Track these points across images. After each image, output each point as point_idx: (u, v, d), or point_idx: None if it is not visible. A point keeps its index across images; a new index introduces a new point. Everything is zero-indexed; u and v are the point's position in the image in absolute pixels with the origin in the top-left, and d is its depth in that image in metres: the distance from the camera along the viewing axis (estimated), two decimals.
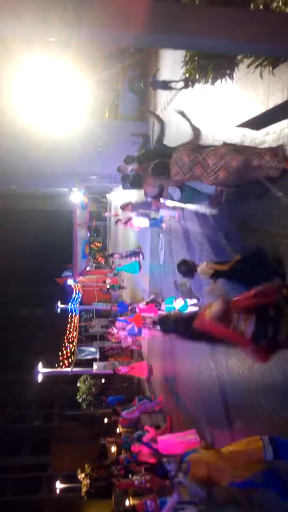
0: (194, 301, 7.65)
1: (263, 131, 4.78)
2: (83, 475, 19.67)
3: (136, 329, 11.53)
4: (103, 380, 20.72)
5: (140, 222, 11.88)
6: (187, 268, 5.16)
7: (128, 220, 12.44)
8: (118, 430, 16.41)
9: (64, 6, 2.66)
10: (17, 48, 11.23)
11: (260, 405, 4.78)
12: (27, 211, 34.19)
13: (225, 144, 4.50)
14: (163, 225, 11.01)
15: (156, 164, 5.02)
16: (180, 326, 3.68)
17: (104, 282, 23.20)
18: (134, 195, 14.50)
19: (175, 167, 4.65)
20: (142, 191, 7.00)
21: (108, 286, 22.07)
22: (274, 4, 3.57)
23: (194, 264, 5.13)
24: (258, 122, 4.82)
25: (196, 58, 4.98)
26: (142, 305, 11.20)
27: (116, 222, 16.52)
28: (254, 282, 3.71)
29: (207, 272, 4.79)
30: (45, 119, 13.34)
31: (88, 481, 19.41)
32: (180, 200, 6.28)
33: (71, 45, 10.29)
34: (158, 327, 4.07)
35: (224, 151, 4.31)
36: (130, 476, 10.75)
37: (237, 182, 4.56)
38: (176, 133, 9.78)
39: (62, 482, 24.39)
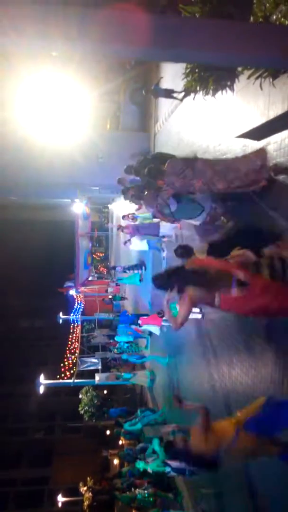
0: (197, 315, 7.56)
1: (264, 141, 4.81)
2: (85, 488, 19.42)
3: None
4: (105, 392, 20.57)
5: (139, 245, 12.02)
6: (184, 250, 4.73)
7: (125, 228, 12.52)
8: (120, 442, 16.24)
9: (66, 21, 2.70)
10: (19, 61, 11.39)
11: None
12: (28, 221, 34.32)
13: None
14: (163, 244, 11.01)
15: (150, 168, 5.10)
16: (172, 277, 3.51)
17: (107, 291, 23.17)
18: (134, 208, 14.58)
19: (168, 168, 4.77)
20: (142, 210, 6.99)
21: (110, 296, 22.04)
22: (274, 17, 3.62)
23: (191, 248, 4.84)
24: (259, 133, 4.86)
25: (196, 70, 5.03)
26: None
27: (118, 228, 16.57)
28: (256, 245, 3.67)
29: (203, 248, 4.50)
30: (46, 130, 13.44)
31: (90, 494, 19.14)
32: (177, 211, 6.21)
33: (73, 59, 10.44)
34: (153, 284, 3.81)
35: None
36: (132, 489, 10.60)
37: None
38: (177, 143, 9.87)
39: (63, 495, 24.07)
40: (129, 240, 12.45)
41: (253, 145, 5.13)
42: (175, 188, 5.11)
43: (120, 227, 13.54)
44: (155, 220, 9.38)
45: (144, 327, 11.34)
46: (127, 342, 14.43)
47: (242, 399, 5.34)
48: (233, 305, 3.32)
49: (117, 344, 14.87)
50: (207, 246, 4.44)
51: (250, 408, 3.62)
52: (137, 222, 12.36)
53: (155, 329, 10.78)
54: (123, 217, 11.48)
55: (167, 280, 3.52)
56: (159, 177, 5.01)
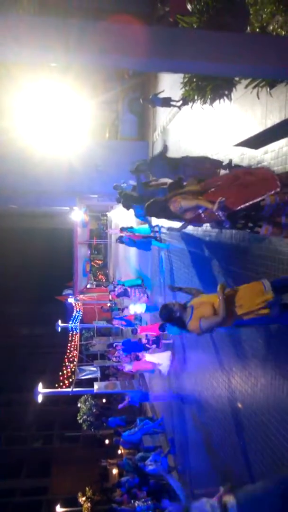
0: None
1: (262, 150, 4.85)
2: (84, 498, 19.24)
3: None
4: (104, 400, 20.46)
5: (137, 308, 12.23)
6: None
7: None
8: (119, 451, 16.12)
9: (66, 32, 2.74)
10: (19, 71, 11.49)
11: (263, 423, 4.72)
12: (27, 229, 34.37)
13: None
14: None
15: (148, 205, 4.90)
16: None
17: (110, 300, 23.03)
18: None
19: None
20: None
21: (109, 305, 22.02)
22: (271, 27, 3.67)
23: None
24: (257, 141, 4.90)
25: (194, 80, 5.08)
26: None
27: (117, 240, 16.60)
28: None
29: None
30: (45, 139, 13.54)
31: (89, 504, 18.97)
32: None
33: (72, 69, 10.56)
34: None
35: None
36: (132, 502, 10.48)
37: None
38: (175, 152, 9.93)
39: (62, 506, 23.83)
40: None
41: (250, 153, 5.17)
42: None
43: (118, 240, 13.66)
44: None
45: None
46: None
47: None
48: None
49: (116, 352, 14.80)
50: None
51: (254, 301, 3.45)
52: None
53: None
54: (122, 229, 11.60)
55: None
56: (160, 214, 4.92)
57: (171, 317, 3.63)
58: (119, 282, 15.96)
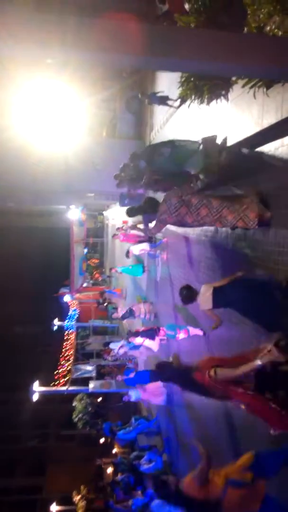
0: (199, 331, 7.47)
1: (258, 150, 4.86)
2: (78, 497, 19.21)
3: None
4: (99, 399, 20.43)
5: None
6: (188, 293, 4.64)
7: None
8: (114, 451, 16.11)
9: (63, 29, 2.73)
10: (16, 68, 11.44)
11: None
12: (24, 228, 34.30)
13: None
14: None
15: (146, 202, 5.12)
16: (179, 378, 3.68)
17: (102, 295, 22.84)
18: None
19: (163, 205, 4.76)
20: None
21: (105, 304, 21.98)
22: (268, 28, 3.67)
23: (196, 291, 4.68)
24: (253, 142, 4.91)
25: (192, 79, 5.09)
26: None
27: (113, 236, 16.47)
28: (253, 312, 3.62)
29: (207, 291, 4.36)
30: (43, 137, 13.50)
31: (84, 503, 18.93)
32: None
33: (69, 66, 10.51)
34: (158, 372, 3.88)
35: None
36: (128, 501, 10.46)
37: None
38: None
39: (57, 504, 23.79)
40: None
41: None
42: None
43: (115, 235, 13.46)
44: None
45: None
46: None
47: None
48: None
49: (111, 352, 14.75)
50: (211, 289, 4.37)
51: (237, 465, 3.62)
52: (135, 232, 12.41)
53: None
54: (117, 229, 11.51)
55: (172, 376, 3.86)
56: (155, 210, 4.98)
57: None
58: (121, 269, 15.42)
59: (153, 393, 10.05)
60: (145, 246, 12.19)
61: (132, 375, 10.66)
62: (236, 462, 3.69)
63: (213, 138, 5.62)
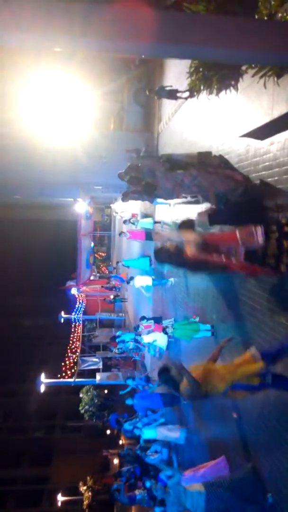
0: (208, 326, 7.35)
1: (268, 141, 4.80)
2: (85, 487, 19.43)
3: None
4: (106, 391, 20.58)
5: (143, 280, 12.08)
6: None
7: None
8: (120, 442, 16.24)
9: (71, 17, 2.69)
10: (24, 61, 11.39)
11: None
12: (31, 221, 34.38)
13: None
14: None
15: (144, 186, 5.30)
16: (174, 257, 4.05)
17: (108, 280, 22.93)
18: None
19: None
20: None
21: (111, 296, 22.03)
22: (279, 15, 3.60)
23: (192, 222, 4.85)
24: (263, 132, 4.84)
25: (200, 69, 5.02)
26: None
27: (120, 234, 16.36)
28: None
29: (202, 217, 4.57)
30: (50, 130, 13.45)
31: (90, 493, 19.15)
32: None
33: (77, 57, 10.43)
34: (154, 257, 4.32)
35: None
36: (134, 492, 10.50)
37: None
38: (181, 143, 9.86)
39: (63, 494, 24.10)
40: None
41: (256, 145, 5.11)
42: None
43: (122, 233, 13.32)
44: None
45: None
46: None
47: None
48: None
49: (118, 344, 14.77)
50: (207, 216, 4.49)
51: (246, 369, 3.71)
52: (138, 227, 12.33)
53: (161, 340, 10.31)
54: (125, 221, 11.41)
55: (168, 258, 4.17)
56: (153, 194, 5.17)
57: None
58: (125, 262, 15.33)
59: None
60: (148, 280, 12.36)
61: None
62: (246, 363, 3.77)
63: (208, 153, 5.59)
